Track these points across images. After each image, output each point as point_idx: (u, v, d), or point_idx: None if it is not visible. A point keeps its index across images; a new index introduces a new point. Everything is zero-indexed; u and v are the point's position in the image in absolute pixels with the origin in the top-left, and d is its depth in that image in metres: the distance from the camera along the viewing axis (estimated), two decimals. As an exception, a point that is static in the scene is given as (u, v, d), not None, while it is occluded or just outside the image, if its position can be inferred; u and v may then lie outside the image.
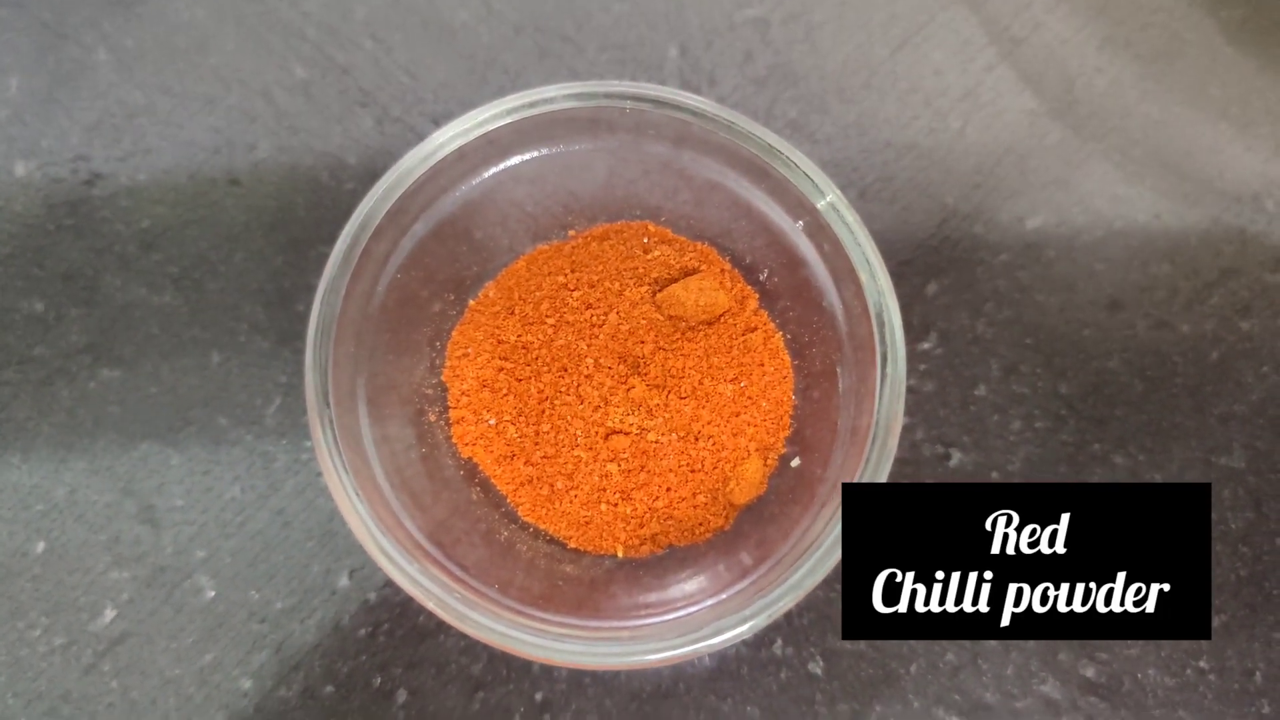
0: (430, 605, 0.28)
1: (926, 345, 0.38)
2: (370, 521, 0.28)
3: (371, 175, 0.40)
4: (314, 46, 0.41)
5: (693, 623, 0.29)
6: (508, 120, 0.32)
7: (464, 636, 0.34)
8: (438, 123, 0.40)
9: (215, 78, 0.41)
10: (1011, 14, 0.43)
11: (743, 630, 0.28)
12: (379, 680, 0.34)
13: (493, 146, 0.33)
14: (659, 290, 0.35)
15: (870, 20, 0.42)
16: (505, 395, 0.33)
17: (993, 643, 0.34)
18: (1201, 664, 0.34)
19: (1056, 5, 0.43)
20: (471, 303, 0.36)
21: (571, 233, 0.37)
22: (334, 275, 0.31)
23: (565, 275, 0.35)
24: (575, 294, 0.35)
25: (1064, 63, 0.42)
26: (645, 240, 0.36)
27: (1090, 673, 0.34)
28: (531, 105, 0.33)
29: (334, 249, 0.31)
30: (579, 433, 0.33)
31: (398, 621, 0.34)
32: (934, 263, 0.39)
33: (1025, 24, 0.43)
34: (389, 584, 0.35)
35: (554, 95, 0.33)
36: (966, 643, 0.34)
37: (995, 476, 0.36)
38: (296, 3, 0.42)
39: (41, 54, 0.42)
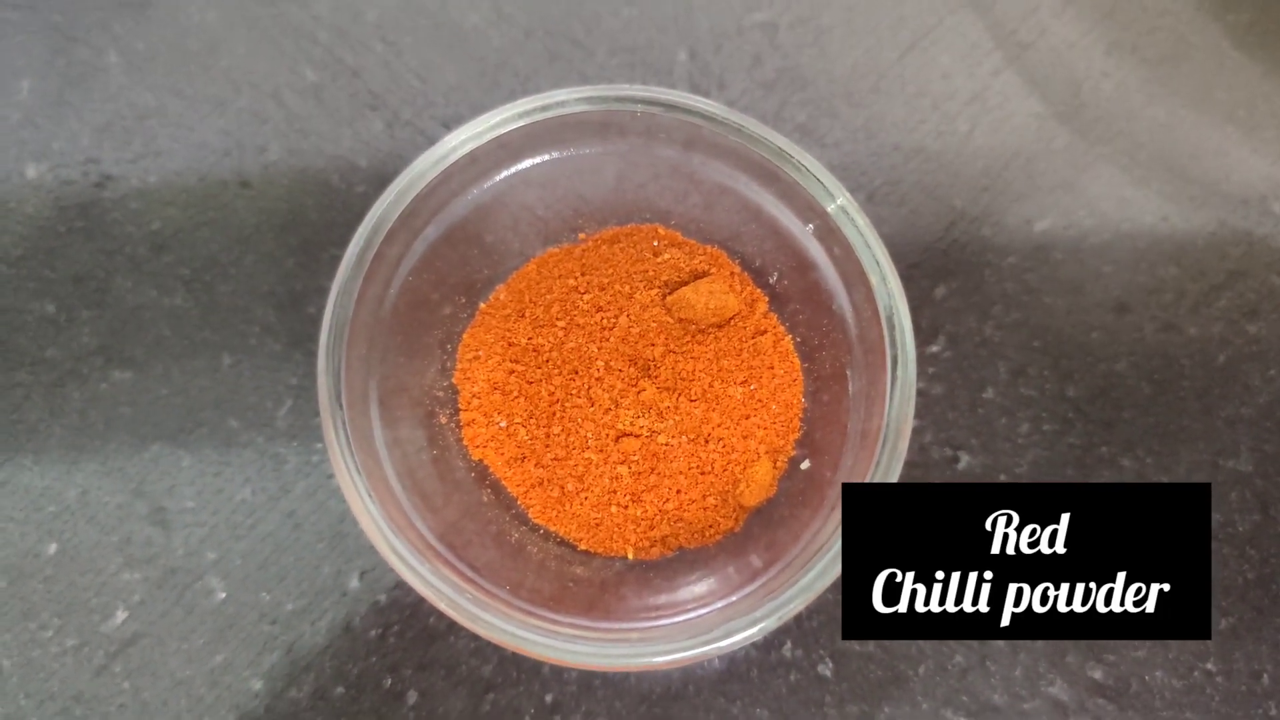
0: (442, 606, 0.28)
1: (935, 348, 0.38)
2: (382, 522, 0.29)
3: (382, 178, 0.40)
4: (325, 49, 0.42)
5: (702, 625, 0.29)
6: (519, 124, 0.33)
7: (474, 638, 0.34)
8: (448, 126, 0.40)
9: (226, 80, 0.41)
10: (1019, 18, 0.43)
11: (753, 633, 0.28)
12: (389, 681, 0.34)
13: (504, 150, 0.33)
14: (669, 293, 0.35)
15: (878, 24, 0.42)
16: (516, 398, 0.34)
17: (1001, 644, 0.35)
18: (1209, 666, 0.35)
19: (1063, 9, 0.43)
20: (482, 305, 0.36)
21: (582, 236, 0.37)
22: (346, 278, 0.31)
23: (575, 278, 0.35)
24: (585, 297, 0.35)
25: (1071, 67, 0.42)
26: (655, 243, 0.36)
27: (1098, 674, 0.34)
28: (543, 109, 0.33)
29: (346, 252, 0.31)
30: (589, 435, 0.33)
31: (408, 623, 0.34)
32: (942, 265, 0.39)
33: (1032, 28, 0.43)
34: (399, 585, 0.35)
35: (565, 99, 0.33)
36: (974, 644, 0.35)
37: (1003, 479, 0.36)
38: (307, 5, 0.42)
39: (52, 56, 0.42)
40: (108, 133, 0.41)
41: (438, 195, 0.33)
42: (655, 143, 0.34)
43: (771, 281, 0.36)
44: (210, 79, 0.41)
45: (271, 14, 0.42)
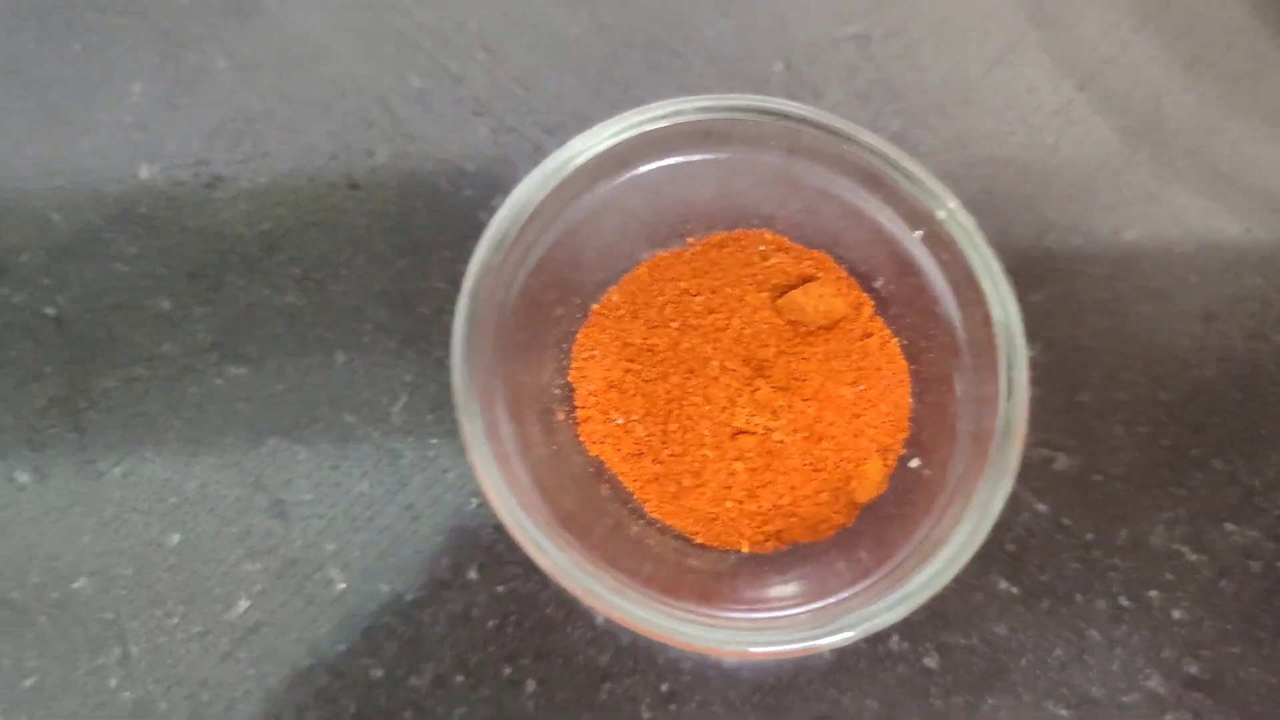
0: (576, 590, 0.29)
1: (1032, 353, 0.39)
2: (519, 513, 0.30)
3: (489, 182, 0.41)
4: (428, 56, 0.43)
5: (814, 618, 0.30)
6: (633, 132, 0.34)
7: (591, 628, 0.35)
8: (552, 133, 0.41)
9: (332, 85, 0.42)
10: (1100, 34, 0.44)
11: (865, 628, 0.29)
12: (508, 670, 0.35)
13: (615, 158, 0.35)
14: (778, 296, 0.36)
15: (965, 38, 0.43)
16: (633, 395, 0.35)
17: (1098, 638, 0.36)
18: (1302, 663, 0.36)
19: (1143, 25, 0.44)
20: (594, 307, 0.37)
21: (690, 240, 0.38)
22: (474, 283, 0.32)
23: (687, 281, 0.36)
24: (698, 299, 0.36)
25: (1152, 82, 0.43)
26: (762, 248, 0.37)
27: (1194, 669, 0.35)
28: (660, 118, 0.34)
29: (473, 257, 0.32)
30: (706, 432, 0.34)
31: (525, 613, 0.35)
32: (1036, 273, 0.40)
33: (1114, 44, 0.44)
34: (517, 577, 0.36)
35: (678, 109, 0.34)
36: (1073, 638, 0.36)
37: (1099, 479, 0.37)
38: (409, 14, 0.43)
39: (163, 61, 0.43)
40: (217, 135, 0.42)
41: (554, 201, 0.34)
42: (758, 150, 0.35)
43: (876, 285, 0.37)
44: (316, 84, 0.43)
45: (374, 21, 0.43)
